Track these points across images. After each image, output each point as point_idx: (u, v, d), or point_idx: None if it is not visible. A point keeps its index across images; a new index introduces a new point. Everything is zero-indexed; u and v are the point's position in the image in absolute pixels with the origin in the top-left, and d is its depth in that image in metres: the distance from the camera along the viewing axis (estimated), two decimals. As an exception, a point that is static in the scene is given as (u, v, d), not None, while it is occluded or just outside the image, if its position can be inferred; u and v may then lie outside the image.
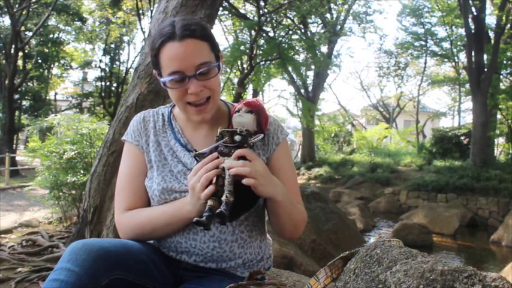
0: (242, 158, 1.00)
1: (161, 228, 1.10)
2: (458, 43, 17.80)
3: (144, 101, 2.90)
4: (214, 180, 0.99)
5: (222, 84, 1.14)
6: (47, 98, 20.13)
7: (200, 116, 1.09)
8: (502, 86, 15.12)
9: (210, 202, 0.96)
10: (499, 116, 15.23)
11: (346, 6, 19.13)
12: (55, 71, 21.24)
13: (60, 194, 4.78)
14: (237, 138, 1.02)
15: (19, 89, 15.75)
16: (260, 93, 21.17)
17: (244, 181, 0.96)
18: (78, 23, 17.89)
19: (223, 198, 0.95)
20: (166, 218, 1.09)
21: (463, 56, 18.14)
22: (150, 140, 1.18)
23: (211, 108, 1.10)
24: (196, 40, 1.04)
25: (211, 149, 1.05)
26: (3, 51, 14.71)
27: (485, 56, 13.19)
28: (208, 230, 0.96)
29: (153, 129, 1.19)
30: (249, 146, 1.05)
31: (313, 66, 18.22)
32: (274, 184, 1.03)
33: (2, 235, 4.22)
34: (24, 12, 13.96)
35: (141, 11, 14.91)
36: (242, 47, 14.46)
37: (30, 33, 15.46)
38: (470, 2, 12.80)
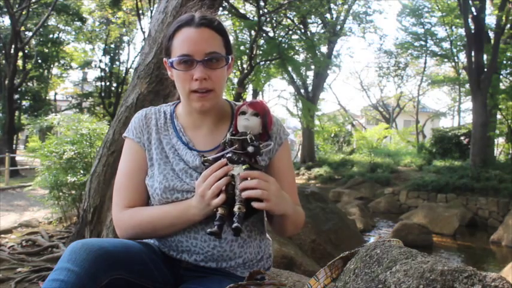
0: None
1: (163, 229, 1.10)
2: (458, 43, 17.80)
3: (144, 101, 2.90)
4: (223, 188, 0.99)
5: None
6: (47, 98, 20.15)
7: (201, 103, 1.09)
8: (502, 86, 15.12)
9: (220, 210, 0.98)
10: (499, 116, 15.22)
11: (346, 6, 19.15)
12: (55, 71, 21.27)
13: (60, 194, 4.77)
14: (250, 149, 1.01)
15: (19, 89, 15.76)
16: (260, 93, 21.18)
17: (255, 205, 0.97)
18: (78, 23, 17.90)
19: (236, 209, 0.96)
20: (169, 220, 1.09)
21: (463, 56, 18.16)
22: (152, 138, 1.17)
23: (212, 99, 1.10)
24: (212, 31, 1.07)
25: (219, 155, 1.05)
26: (3, 51, 14.71)
27: (485, 56, 13.19)
28: (220, 238, 0.98)
29: (155, 126, 1.18)
30: (260, 155, 1.05)
31: (313, 66, 18.23)
32: (285, 201, 1.05)
33: (2, 235, 4.21)
34: (24, 12, 13.96)
35: (141, 11, 14.91)
36: (242, 47, 14.47)
37: (30, 33, 15.47)
38: (470, 2, 12.81)
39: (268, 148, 1.07)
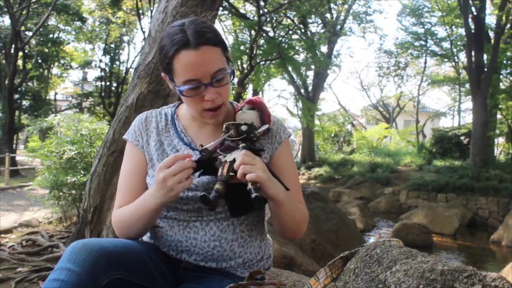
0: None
1: (135, 222, 1.10)
2: (458, 43, 17.79)
3: (144, 101, 2.90)
4: (225, 168, 0.99)
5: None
6: (47, 98, 20.15)
7: (214, 118, 1.12)
8: (502, 86, 15.12)
9: (217, 186, 0.96)
10: (499, 116, 15.22)
11: (346, 6, 19.14)
12: (55, 70, 21.27)
13: (60, 194, 4.77)
14: (244, 128, 1.03)
15: (19, 89, 15.75)
16: (260, 93, 21.16)
17: (248, 177, 0.96)
18: (78, 23, 17.89)
19: (250, 185, 0.95)
20: (138, 212, 1.09)
21: (463, 56, 18.15)
22: (151, 140, 1.18)
23: (224, 112, 1.13)
24: (210, 47, 1.03)
25: (217, 144, 1.06)
26: (3, 51, 14.71)
27: (485, 56, 13.19)
28: (212, 210, 0.95)
29: (156, 129, 1.20)
30: (255, 137, 1.06)
31: (313, 66, 18.22)
32: (274, 183, 1.04)
33: (2, 235, 4.22)
34: (24, 12, 13.96)
35: (141, 11, 14.91)
36: (242, 47, 14.46)
37: (30, 33, 15.46)
38: (470, 2, 12.81)
39: (264, 129, 1.08)
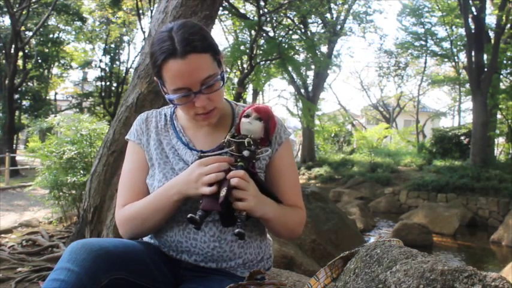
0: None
1: (149, 217, 1.09)
2: (458, 43, 17.79)
3: (144, 101, 2.91)
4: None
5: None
6: (47, 98, 20.14)
7: (207, 121, 1.12)
8: (502, 86, 15.12)
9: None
10: (499, 116, 15.22)
11: (346, 6, 19.13)
12: (55, 70, 21.27)
13: (60, 194, 4.77)
14: (245, 153, 1.02)
15: (19, 89, 15.75)
16: (260, 93, 21.18)
17: (234, 205, 0.99)
18: (78, 23, 17.89)
19: (237, 213, 0.97)
20: (153, 205, 1.08)
21: (463, 56, 18.15)
22: (151, 139, 1.19)
23: (216, 114, 1.13)
24: (198, 54, 1.01)
25: (217, 154, 1.06)
26: (3, 51, 14.71)
27: (485, 56, 13.19)
28: (199, 229, 0.97)
29: (155, 128, 1.21)
30: (256, 160, 1.06)
31: (313, 66, 18.22)
32: (264, 204, 1.04)
33: (2, 235, 4.22)
34: (24, 12, 13.96)
35: (141, 11, 14.90)
36: (242, 47, 14.46)
37: (30, 33, 15.46)
38: (470, 2, 12.81)
39: (266, 154, 1.08)
